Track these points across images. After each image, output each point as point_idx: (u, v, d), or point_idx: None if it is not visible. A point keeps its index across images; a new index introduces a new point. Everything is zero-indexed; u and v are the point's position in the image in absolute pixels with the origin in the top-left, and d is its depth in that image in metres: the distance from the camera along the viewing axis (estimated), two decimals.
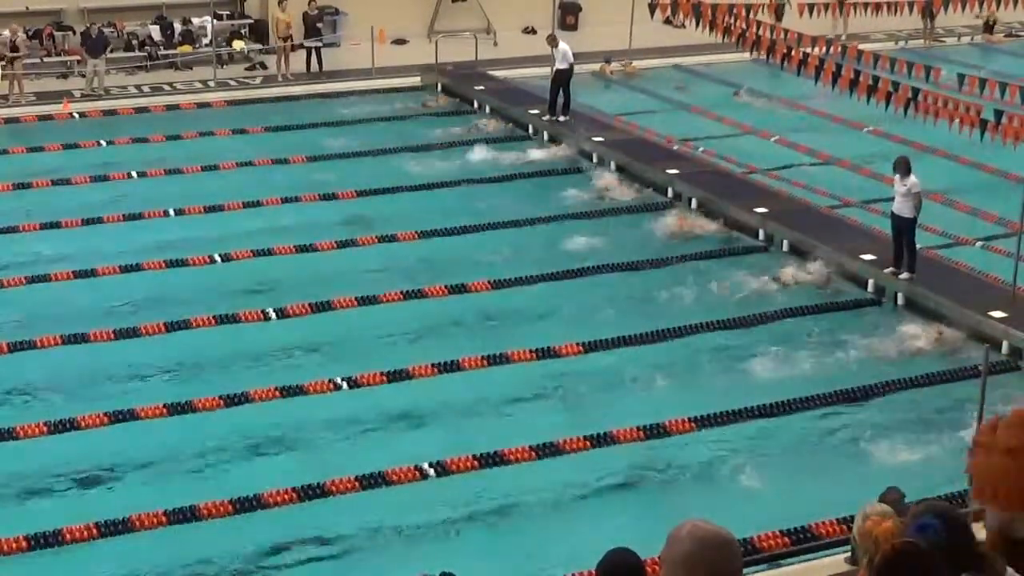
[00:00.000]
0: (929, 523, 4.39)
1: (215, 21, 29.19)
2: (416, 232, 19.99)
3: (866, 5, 27.70)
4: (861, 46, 23.88)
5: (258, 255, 19.02)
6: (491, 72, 28.62)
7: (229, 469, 13.54)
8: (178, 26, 29.64)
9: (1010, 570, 4.39)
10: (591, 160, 23.57)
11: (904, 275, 17.65)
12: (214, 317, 16.78)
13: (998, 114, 18.67)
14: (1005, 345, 16.06)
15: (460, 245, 19.69)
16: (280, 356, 16.05)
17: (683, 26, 27.30)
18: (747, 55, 24.47)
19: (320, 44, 29.25)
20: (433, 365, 15.58)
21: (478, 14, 32.44)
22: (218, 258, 18.85)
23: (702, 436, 14.22)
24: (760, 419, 14.54)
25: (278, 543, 12.18)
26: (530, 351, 16.01)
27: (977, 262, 18.81)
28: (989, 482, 4.45)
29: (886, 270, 17.86)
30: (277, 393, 14.85)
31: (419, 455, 13.54)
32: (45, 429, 13.98)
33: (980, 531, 4.56)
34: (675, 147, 24.36)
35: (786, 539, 12.01)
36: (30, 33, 27.88)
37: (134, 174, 22.62)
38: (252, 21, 30.57)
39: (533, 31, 32.35)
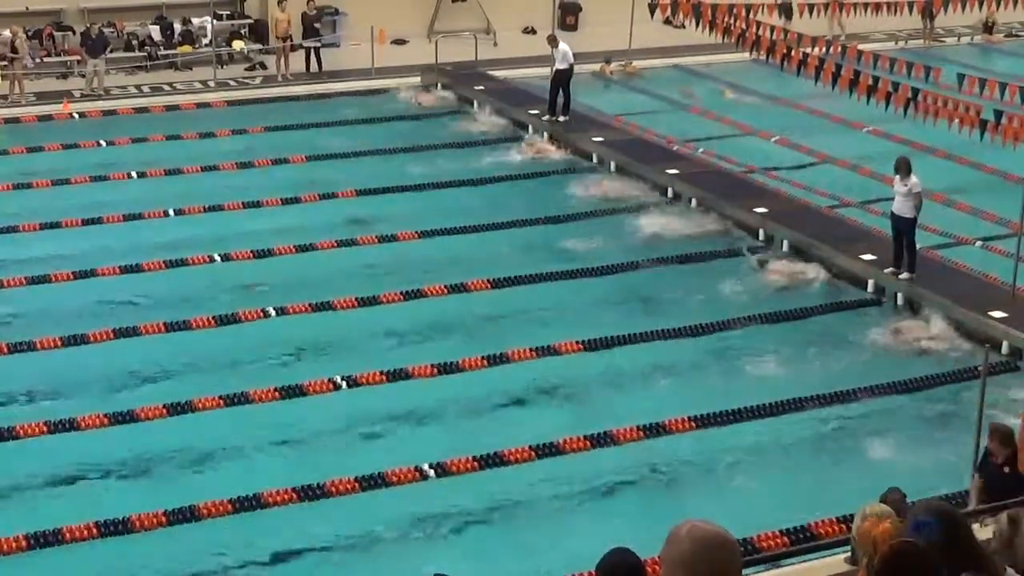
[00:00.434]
0: (926, 521, 4.40)
1: (215, 21, 29.20)
2: (416, 232, 19.99)
3: (866, 5, 27.70)
4: (861, 46, 23.87)
5: (258, 255, 19.03)
6: (491, 72, 28.63)
7: (229, 469, 13.53)
8: (178, 26, 29.65)
9: (1010, 571, 4.40)
10: (591, 160, 23.60)
11: (904, 275, 17.66)
12: (214, 317, 16.78)
13: (998, 114, 18.66)
14: (1005, 345, 16.06)
15: (460, 245, 19.70)
16: (280, 356, 16.05)
17: (683, 26, 27.31)
18: (747, 55, 24.45)
19: (318, 44, 29.26)
20: (433, 365, 15.58)
21: (478, 14, 32.44)
22: (218, 258, 18.86)
23: (702, 436, 14.22)
24: (760, 419, 14.54)
25: (278, 543, 12.18)
26: (530, 351, 16.01)
27: (977, 262, 18.81)
28: None
29: (886, 270, 17.87)
30: (277, 393, 14.86)
31: (419, 455, 13.54)
32: (45, 429, 13.99)
33: (979, 531, 4.57)
34: (675, 147, 24.37)
35: (786, 539, 12.02)
36: (30, 33, 27.88)
37: (134, 174, 22.63)
38: (252, 21, 30.57)
39: (533, 31, 32.35)
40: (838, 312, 17.57)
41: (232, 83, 28.34)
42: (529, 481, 13.27)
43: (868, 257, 18.39)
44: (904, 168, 17.36)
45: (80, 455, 13.57)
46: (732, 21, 23.18)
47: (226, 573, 11.85)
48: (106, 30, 28.01)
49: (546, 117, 25.16)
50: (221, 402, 14.58)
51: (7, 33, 26.86)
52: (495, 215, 20.75)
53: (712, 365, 16.08)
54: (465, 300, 17.75)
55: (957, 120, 19.20)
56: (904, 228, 17.55)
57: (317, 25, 29.52)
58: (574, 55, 25.15)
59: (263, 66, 29.35)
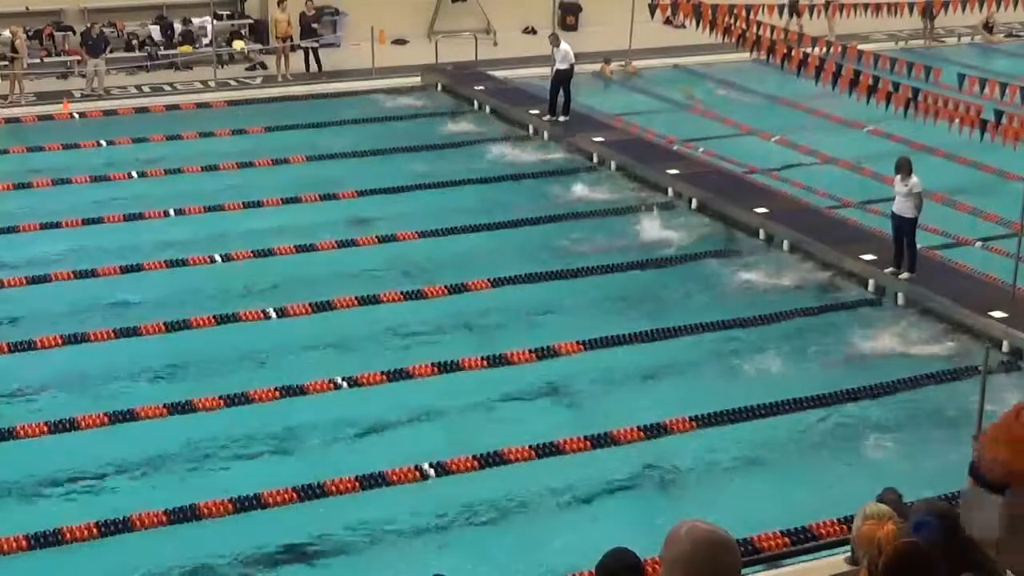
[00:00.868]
0: (925, 521, 4.41)
1: (215, 21, 29.21)
2: (416, 232, 19.99)
3: (866, 5, 27.70)
4: (861, 46, 23.87)
5: (258, 255, 19.03)
6: (491, 72, 28.63)
7: (229, 469, 13.53)
8: (178, 26, 29.67)
9: (1009, 572, 4.40)
10: (591, 160, 23.60)
11: (904, 275, 17.66)
12: (214, 317, 16.78)
13: (998, 114, 18.66)
14: (1005, 345, 16.07)
15: (460, 245, 19.70)
16: (280, 356, 16.04)
17: (683, 26, 27.33)
18: (747, 55, 24.46)
19: (316, 45, 29.25)
20: (433, 365, 15.58)
21: (478, 14, 32.45)
22: (218, 258, 18.86)
23: (702, 436, 14.22)
24: (760, 419, 14.53)
25: (278, 543, 12.17)
26: (530, 351, 16.01)
27: (977, 262, 18.81)
28: None
29: (886, 270, 17.87)
30: (277, 393, 14.85)
31: (419, 455, 13.53)
32: (45, 429, 13.98)
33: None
34: (675, 147, 24.37)
35: (786, 539, 12.02)
36: (30, 33, 27.89)
37: (134, 174, 22.63)
38: (252, 21, 30.59)
39: (533, 31, 32.37)
40: (838, 312, 17.57)
41: (232, 83, 28.35)
42: (529, 481, 13.27)
43: (868, 257, 18.39)
44: (905, 168, 17.38)
45: (80, 455, 13.56)
46: (732, 21, 23.19)
47: (226, 573, 11.84)
48: (106, 30, 28.02)
49: (546, 117, 25.16)
50: (221, 402, 14.58)
51: (7, 33, 26.88)
52: (495, 215, 20.75)
53: (712, 365, 16.07)
54: (465, 300, 17.75)
55: (957, 120, 19.19)
56: (905, 228, 17.56)
57: (315, 26, 29.52)
58: (574, 55, 25.15)
59: (263, 66, 29.37)
